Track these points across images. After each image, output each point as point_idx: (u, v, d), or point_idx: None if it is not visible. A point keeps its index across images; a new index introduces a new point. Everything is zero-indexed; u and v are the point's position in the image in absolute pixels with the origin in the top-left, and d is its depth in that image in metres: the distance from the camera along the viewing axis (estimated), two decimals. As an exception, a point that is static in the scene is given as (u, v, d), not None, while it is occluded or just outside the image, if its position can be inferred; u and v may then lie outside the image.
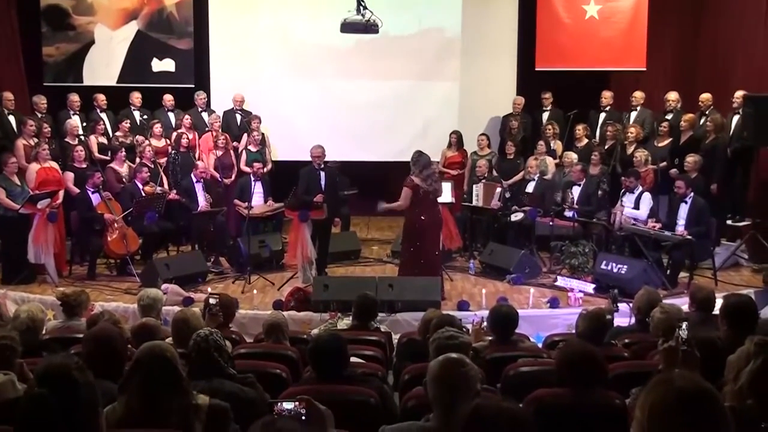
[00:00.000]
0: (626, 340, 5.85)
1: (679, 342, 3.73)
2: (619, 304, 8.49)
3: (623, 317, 7.90)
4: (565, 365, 4.10)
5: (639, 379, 3.89)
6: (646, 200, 10.21)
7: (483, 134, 12.41)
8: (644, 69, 12.89)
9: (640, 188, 10.33)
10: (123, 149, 11.34)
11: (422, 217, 9.10)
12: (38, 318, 5.80)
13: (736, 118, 11.14)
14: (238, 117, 12.65)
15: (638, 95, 12.30)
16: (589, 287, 9.45)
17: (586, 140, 12.09)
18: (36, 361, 4.19)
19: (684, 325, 3.81)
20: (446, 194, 10.16)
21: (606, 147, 11.79)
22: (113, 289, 9.80)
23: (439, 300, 8.85)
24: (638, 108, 12.24)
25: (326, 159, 10.30)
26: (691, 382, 2.32)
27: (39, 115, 11.55)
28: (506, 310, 5.72)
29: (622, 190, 10.43)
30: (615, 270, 9.38)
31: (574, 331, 6.27)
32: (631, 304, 7.09)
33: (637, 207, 10.21)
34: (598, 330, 5.50)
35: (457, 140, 12.39)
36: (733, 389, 3.44)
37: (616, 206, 10.38)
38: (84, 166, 10.87)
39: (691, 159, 10.50)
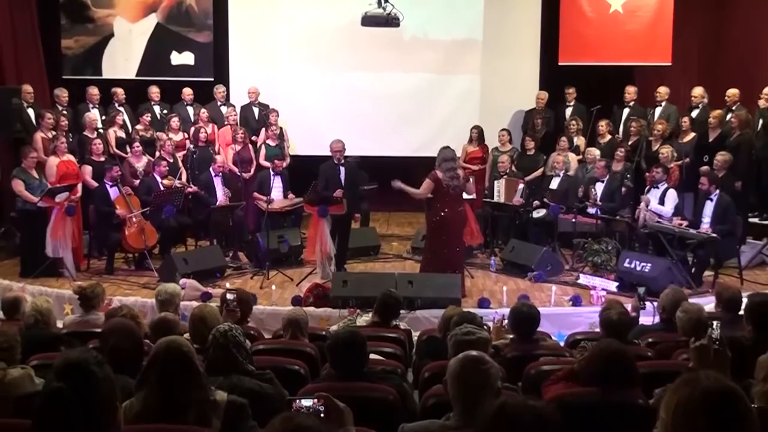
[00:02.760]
0: (650, 339, 5.82)
1: (711, 341, 3.71)
2: (645, 302, 8.44)
3: (647, 316, 7.85)
4: (598, 362, 4.07)
5: (663, 379, 3.87)
6: (672, 197, 10.14)
7: (504, 129, 12.37)
8: (669, 64, 12.82)
9: (666, 184, 10.27)
10: (138, 142, 11.38)
11: (443, 213, 9.08)
12: (44, 309, 5.84)
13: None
14: (256, 111, 12.67)
15: (663, 90, 12.20)
16: (612, 285, 9.39)
17: (609, 136, 12.01)
18: (54, 356, 4.22)
19: (716, 324, 3.78)
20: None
21: (630, 143, 11.72)
22: (131, 283, 9.84)
23: (460, 297, 8.83)
24: (663, 103, 12.15)
25: (346, 154, 10.31)
26: (718, 382, 2.30)
27: (60, 108, 11.62)
28: (528, 310, 5.67)
29: (647, 187, 10.37)
30: (638, 268, 9.32)
31: (596, 330, 6.25)
32: (655, 303, 7.05)
33: (662, 204, 10.15)
34: (627, 323, 5.50)
35: (478, 135, 12.38)
36: (762, 390, 3.42)
37: (643, 196, 10.30)
38: (102, 159, 10.91)
39: (720, 157, 10.39)
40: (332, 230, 9.94)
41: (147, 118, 11.98)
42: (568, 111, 12.87)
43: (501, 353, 5.28)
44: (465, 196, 9.45)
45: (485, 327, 5.31)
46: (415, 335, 6.84)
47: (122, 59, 13.22)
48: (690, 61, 13.19)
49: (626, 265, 9.50)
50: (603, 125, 12.03)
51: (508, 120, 13.24)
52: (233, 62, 13.50)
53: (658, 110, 12.17)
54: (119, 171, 10.46)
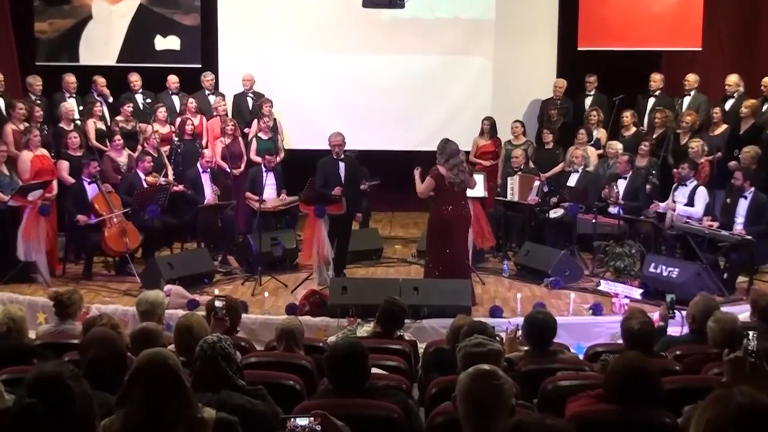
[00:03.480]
0: (678, 352, 5.81)
1: (747, 353, 3.70)
2: (675, 311, 8.43)
3: (675, 326, 7.84)
4: (619, 378, 4.07)
5: (692, 395, 3.86)
6: (702, 195, 10.12)
7: (517, 121, 12.36)
8: (699, 49, 12.78)
9: (695, 181, 10.25)
10: (119, 135, 11.35)
11: (448, 211, 9.07)
12: (18, 317, 5.83)
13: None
14: (250, 101, 12.66)
15: (692, 78, 12.17)
16: (636, 292, 9.38)
17: (633, 128, 11.99)
18: (26, 369, 4.22)
19: (751, 334, 3.77)
20: (478, 187, 10.10)
21: (655, 136, 11.68)
22: (111, 290, 9.84)
23: (470, 305, 8.83)
24: (692, 93, 12.12)
25: (345, 148, 10.29)
26: (753, 399, 2.30)
27: (33, 98, 11.60)
28: (543, 317, 5.70)
29: (674, 185, 10.35)
30: (665, 273, 9.31)
31: (619, 342, 6.25)
32: (684, 312, 7.04)
33: (690, 203, 10.12)
34: (650, 333, 5.50)
35: (489, 127, 12.36)
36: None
37: (666, 202, 10.30)
38: (79, 153, 10.89)
39: (747, 153, 10.36)
40: (330, 232, 9.92)
41: (129, 108, 11.94)
42: (588, 101, 12.85)
43: (515, 367, 5.29)
44: (468, 192, 9.43)
45: (498, 338, 5.31)
46: (421, 347, 6.83)
47: (101, 44, 13.20)
48: (722, 46, 13.14)
49: (651, 270, 9.49)
50: (626, 116, 12.01)
51: (522, 111, 13.23)
52: (222, 47, 13.48)
53: (686, 100, 12.14)
54: (98, 167, 10.43)
